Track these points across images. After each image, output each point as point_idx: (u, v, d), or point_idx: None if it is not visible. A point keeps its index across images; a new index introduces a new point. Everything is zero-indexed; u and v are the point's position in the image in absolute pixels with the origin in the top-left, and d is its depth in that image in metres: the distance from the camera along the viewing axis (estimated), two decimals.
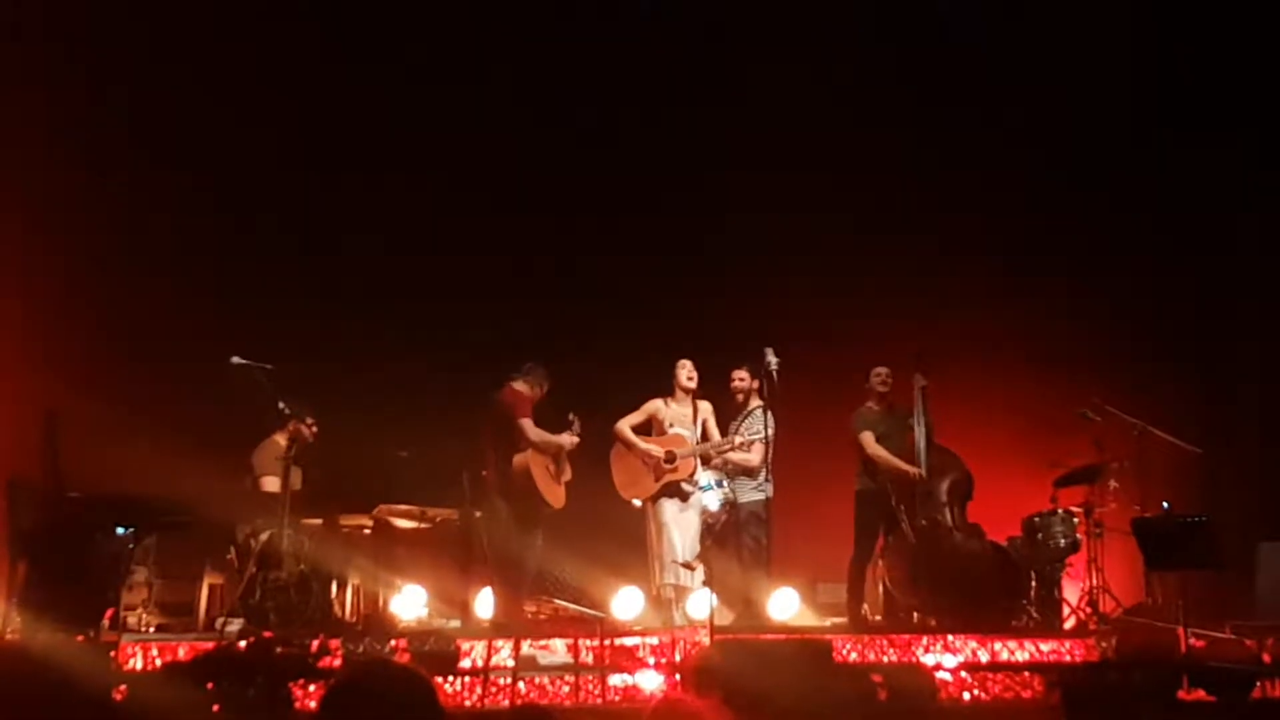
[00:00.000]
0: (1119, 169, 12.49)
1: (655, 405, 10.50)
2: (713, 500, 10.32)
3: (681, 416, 10.46)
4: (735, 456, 10.43)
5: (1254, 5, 12.21)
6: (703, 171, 12.50)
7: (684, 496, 10.24)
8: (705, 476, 10.39)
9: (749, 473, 10.42)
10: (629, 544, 10.49)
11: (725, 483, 10.47)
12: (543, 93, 12.61)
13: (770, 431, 10.12)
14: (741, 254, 12.28)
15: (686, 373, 10.48)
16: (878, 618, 10.69)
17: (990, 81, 12.53)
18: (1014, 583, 10.36)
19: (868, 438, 10.58)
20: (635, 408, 10.52)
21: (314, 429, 9.94)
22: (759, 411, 10.30)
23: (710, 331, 11.48)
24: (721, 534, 10.31)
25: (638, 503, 10.43)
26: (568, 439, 10.03)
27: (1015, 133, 12.46)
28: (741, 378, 10.60)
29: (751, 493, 10.40)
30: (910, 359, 10.60)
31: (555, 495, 10.02)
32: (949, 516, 10.34)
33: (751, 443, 10.28)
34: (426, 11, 12.45)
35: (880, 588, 10.72)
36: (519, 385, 10.08)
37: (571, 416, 10.11)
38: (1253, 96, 12.19)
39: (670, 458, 10.24)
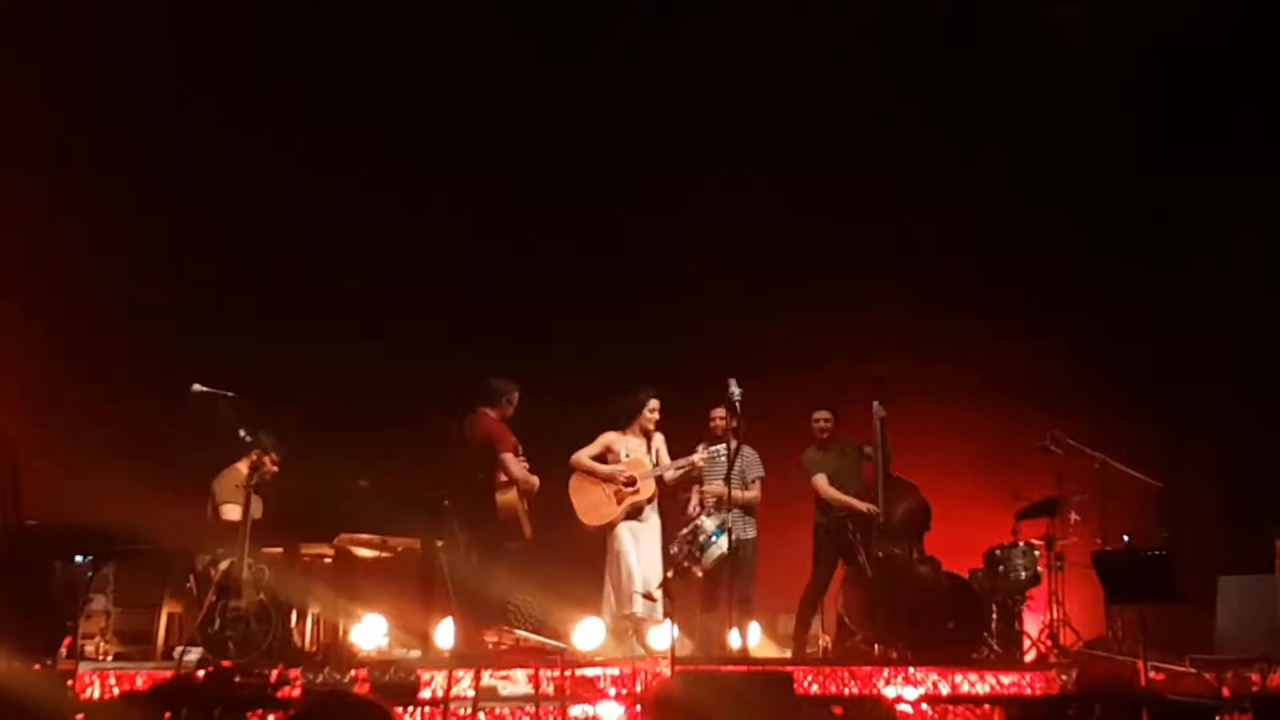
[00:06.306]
0: (1079, 210, 12.58)
1: (610, 437, 10.52)
2: (723, 544, 10.12)
3: (636, 447, 10.48)
4: (744, 495, 10.41)
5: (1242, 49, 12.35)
6: (665, 209, 12.54)
7: (641, 523, 10.25)
8: (710, 521, 10.18)
9: (749, 510, 10.45)
10: (589, 575, 10.48)
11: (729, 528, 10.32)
12: (512, 130, 12.63)
13: (737, 467, 10.11)
14: (701, 289, 12.33)
15: (656, 416, 10.51)
16: (827, 646, 10.71)
17: (959, 127, 12.62)
18: (971, 612, 10.39)
19: (820, 481, 10.67)
20: (587, 441, 10.54)
21: (275, 463, 9.89)
22: (748, 451, 10.38)
23: (668, 368, 11.45)
24: (716, 573, 10.12)
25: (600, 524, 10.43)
26: (537, 480, 10.09)
27: (978, 174, 12.56)
28: (721, 416, 10.57)
29: (749, 530, 10.43)
30: (870, 384, 10.63)
31: (528, 527, 10.09)
32: (906, 548, 10.38)
33: (754, 480, 10.44)
34: (418, 55, 12.54)
35: (836, 618, 10.73)
36: (494, 413, 10.09)
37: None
38: (1223, 140, 12.31)
39: (631, 480, 10.27)
